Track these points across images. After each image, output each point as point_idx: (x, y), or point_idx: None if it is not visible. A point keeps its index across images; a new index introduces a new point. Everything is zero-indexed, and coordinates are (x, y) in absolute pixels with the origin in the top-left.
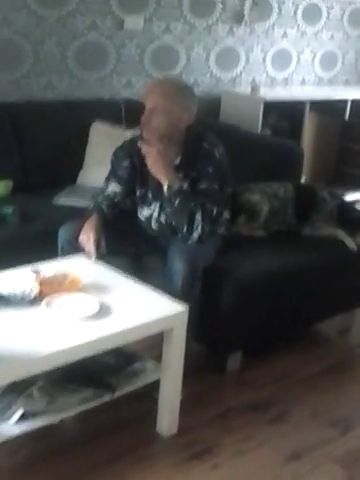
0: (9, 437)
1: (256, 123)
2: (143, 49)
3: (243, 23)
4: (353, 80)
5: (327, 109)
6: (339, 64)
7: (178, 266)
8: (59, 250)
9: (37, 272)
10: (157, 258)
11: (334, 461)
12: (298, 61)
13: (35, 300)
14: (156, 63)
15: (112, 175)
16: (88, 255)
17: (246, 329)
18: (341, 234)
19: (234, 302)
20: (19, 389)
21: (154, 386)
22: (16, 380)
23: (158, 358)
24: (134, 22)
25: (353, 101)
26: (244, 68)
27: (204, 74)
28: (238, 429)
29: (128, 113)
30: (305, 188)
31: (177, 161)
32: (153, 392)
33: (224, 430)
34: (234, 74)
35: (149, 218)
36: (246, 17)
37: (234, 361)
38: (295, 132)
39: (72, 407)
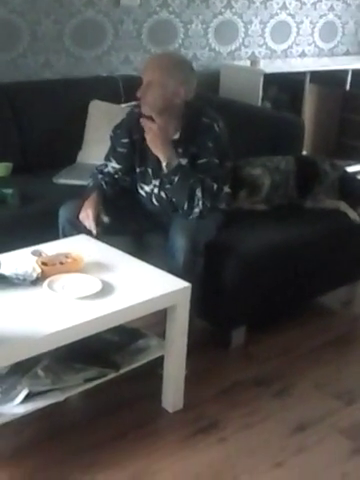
0: (14, 417)
1: (256, 96)
2: (141, 24)
3: None
4: (353, 50)
5: (327, 80)
6: (339, 34)
7: (180, 242)
8: (60, 230)
9: (39, 253)
10: (158, 235)
11: (340, 432)
12: (298, 32)
13: (37, 281)
14: (154, 38)
15: (111, 152)
16: (90, 231)
17: (249, 304)
18: (343, 206)
19: (237, 277)
20: (23, 369)
21: (158, 363)
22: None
23: (162, 335)
24: None
25: (354, 71)
26: (243, 41)
27: (203, 48)
28: (243, 403)
29: (127, 89)
30: (306, 160)
31: (176, 136)
32: (158, 369)
33: (229, 404)
34: (233, 47)
35: (150, 194)
36: None
37: (238, 336)
38: (295, 104)
39: (77, 385)
